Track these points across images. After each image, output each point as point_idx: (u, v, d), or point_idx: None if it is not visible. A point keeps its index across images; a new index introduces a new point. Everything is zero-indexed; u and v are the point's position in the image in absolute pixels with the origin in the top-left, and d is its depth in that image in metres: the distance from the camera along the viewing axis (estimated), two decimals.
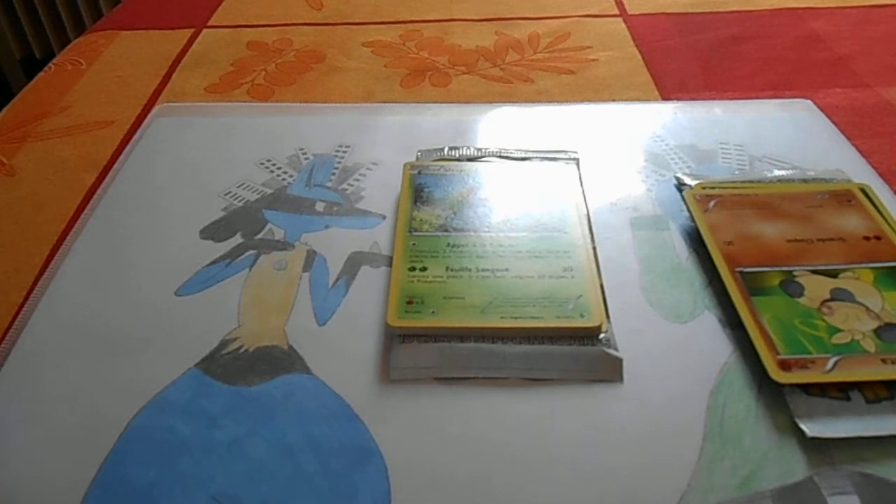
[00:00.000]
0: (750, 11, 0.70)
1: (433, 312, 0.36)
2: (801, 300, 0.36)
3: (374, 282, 0.40)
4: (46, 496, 0.30)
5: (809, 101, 0.55)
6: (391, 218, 0.44)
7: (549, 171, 0.46)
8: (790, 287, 0.37)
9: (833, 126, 0.52)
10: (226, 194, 0.47)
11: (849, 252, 0.38)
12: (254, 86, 0.61)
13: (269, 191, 0.47)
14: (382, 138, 0.52)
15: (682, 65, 0.62)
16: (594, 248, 0.40)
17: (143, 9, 0.76)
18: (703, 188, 0.44)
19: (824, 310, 0.35)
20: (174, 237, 0.43)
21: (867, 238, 0.39)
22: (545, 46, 0.65)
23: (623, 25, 0.68)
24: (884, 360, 0.33)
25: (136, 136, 0.53)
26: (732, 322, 0.37)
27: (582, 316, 0.35)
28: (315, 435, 0.32)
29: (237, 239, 0.43)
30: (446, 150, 0.49)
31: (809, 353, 0.33)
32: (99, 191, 0.48)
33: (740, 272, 0.38)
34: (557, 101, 0.57)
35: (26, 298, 0.40)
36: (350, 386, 0.34)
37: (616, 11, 0.71)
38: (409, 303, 0.36)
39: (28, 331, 0.38)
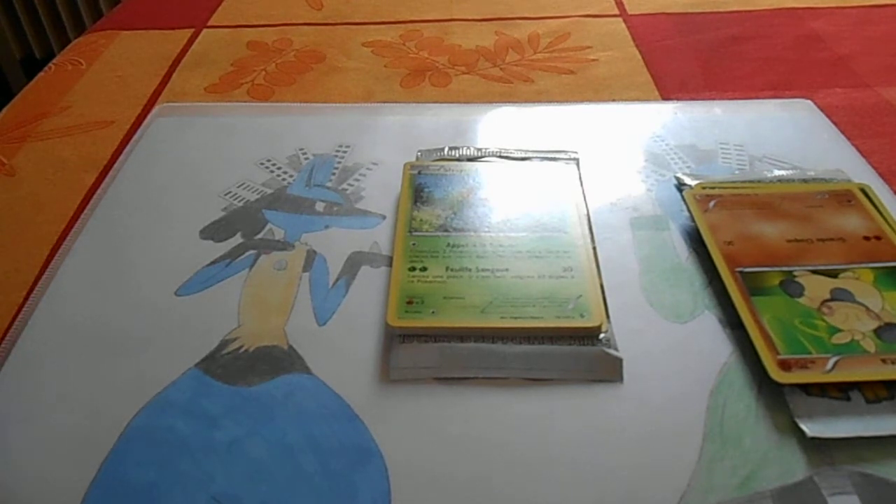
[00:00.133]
0: (750, 11, 0.70)
1: (433, 312, 0.36)
2: (801, 300, 0.36)
3: (374, 282, 0.40)
4: (46, 496, 0.30)
5: (809, 101, 0.55)
6: (391, 218, 0.44)
7: (549, 171, 0.46)
8: (790, 287, 0.37)
9: (833, 126, 0.52)
10: (226, 194, 0.47)
11: (849, 252, 0.38)
12: (254, 86, 0.61)
13: (269, 191, 0.47)
14: (382, 138, 0.52)
15: (682, 65, 0.62)
16: (594, 248, 0.40)
17: (143, 9, 0.76)
18: (703, 188, 0.44)
19: (824, 310, 0.35)
20: (174, 237, 0.43)
21: (867, 238, 0.39)
22: (545, 46, 0.65)
23: (623, 25, 0.68)
24: (884, 360, 0.33)
25: (136, 136, 0.53)
26: (732, 322, 0.37)
27: (582, 316, 0.35)
28: (315, 435, 0.32)
29: (237, 239, 0.43)
30: (446, 150, 0.49)
31: (809, 353, 0.33)
32: (99, 191, 0.48)
33: (740, 272, 0.38)
34: (557, 101, 0.57)
35: (26, 298, 0.40)
36: (350, 386, 0.34)
37: (616, 11, 0.71)
38: (409, 303, 0.36)
39: (28, 331, 0.38)
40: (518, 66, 0.62)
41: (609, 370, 0.34)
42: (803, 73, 0.60)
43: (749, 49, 0.64)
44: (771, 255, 0.39)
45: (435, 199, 0.43)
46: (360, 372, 0.35)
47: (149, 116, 0.55)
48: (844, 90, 0.57)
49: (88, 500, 0.30)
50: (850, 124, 0.52)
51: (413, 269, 0.38)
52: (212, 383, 0.34)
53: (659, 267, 0.40)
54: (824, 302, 0.36)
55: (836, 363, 0.33)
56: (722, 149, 0.50)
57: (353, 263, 0.41)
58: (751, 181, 0.44)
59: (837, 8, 0.70)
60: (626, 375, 0.34)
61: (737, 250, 0.39)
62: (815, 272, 0.37)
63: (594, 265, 0.38)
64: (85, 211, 0.46)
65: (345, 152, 0.50)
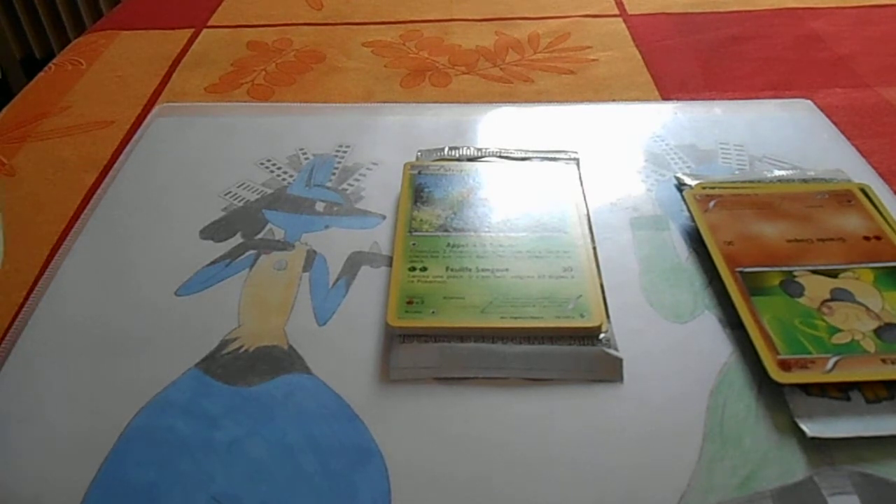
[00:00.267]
0: (750, 11, 0.70)
1: (433, 312, 0.36)
2: (801, 300, 0.36)
3: (374, 282, 0.40)
4: (46, 496, 0.30)
5: (809, 101, 0.55)
6: (391, 218, 0.44)
7: (549, 171, 0.46)
8: (790, 287, 0.37)
9: (833, 126, 0.52)
10: (226, 194, 0.47)
11: (849, 252, 0.38)
12: (254, 86, 0.61)
13: (269, 191, 0.47)
14: (382, 138, 0.52)
15: (682, 65, 0.62)
16: (594, 248, 0.40)
17: (143, 9, 0.76)
18: (703, 188, 0.44)
19: (824, 310, 0.35)
20: (174, 237, 0.43)
21: (867, 238, 0.39)
22: (545, 46, 0.65)
23: (623, 25, 0.68)
24: (884, 360, 0.33)
25: (136, 136, 0.53)
26: (732, 322, 0.37)
27: (582, 316, 0.35)
28: (315, 435, 0.32)
29: (237, 239, 0.43)
30: (446, 150, 0.49)
31: (809, 353, 0.33)
32: (99, 191, 0.48)
33: (740, 272, 0.38)
34: (557, 101, 0.57)
35: (26, 298, 0.40)
36: (350, 386, 0.34)
37: (616, 11, 0.71)
38: (409, 303, 0.36)
39: (28, 331, 0.38)
40: (518, 66, 0.62)
41: (609, 370, 0.34)
42: (803, 73, 0.60)
43: (749, 49, 0.64)
44: (771, 255, 0.39)
45: (435, 199, 0.43)
46: (360, 372, 0.35)
47: (149, 116, 0.55)
48: (844, 90, 0.57)
49: (88, 500, 0.30)
50: (850, 124, 0.52)
51: (413, 269, 0.38)
52: (212, 383, 0.34)
53: (659, 267, 0.40)
54: (824, 302, 0.36)
55: (836, 363, 0.33)
56: (722, 149, 0.50)
57: (353, 263, 0.41)
58: (751, 181, 0.44)
59: (837, 8, 0.70)
60: (626, 375, 0.34)
61: (737, 250, 0.39)
62: (815, 272, 0.37)
63: (594, 265, 0.38)
64: (85, 211, 0.46)
65: (345, 152, 0.50)
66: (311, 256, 0.42)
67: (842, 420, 0.31)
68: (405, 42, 0.67)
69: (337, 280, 0.40)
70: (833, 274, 0.37)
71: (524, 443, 0.32)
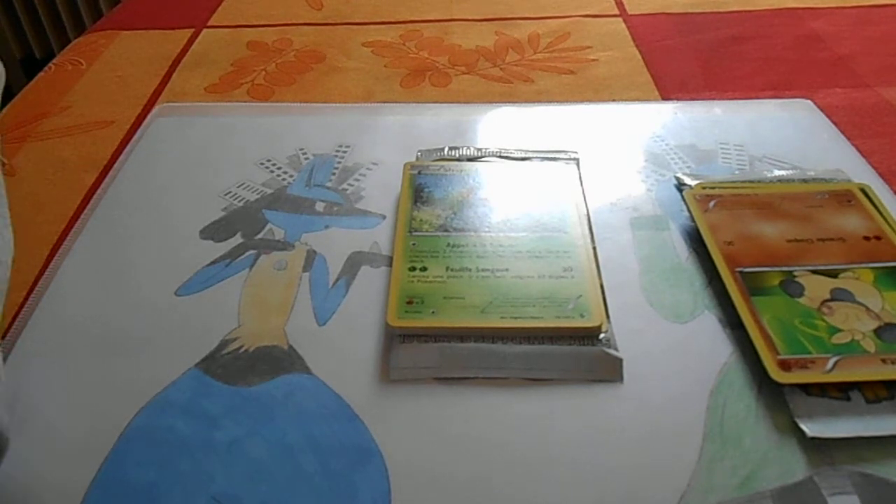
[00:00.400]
0: (750, 11, 0.70)
1: (433, 312, 0.36)
2: (801, 300, 0.36)
3: (374, 282, 0.40)
4: (46, 496, 0.30)
5: (809, 101, 0.55)
6: (391, 218, 0.44)
7: (549, 171, 0.46)
8: (790, 287, 0.37)
9: (833, 126, 0.52)
10: (226, 194, 0.47)
11: (849, 252, 0.38)
12: (254, 86, 0.61)
13: (269, 191, 0.47)
14: (382, 138, 0.52)
15: (682, 65, 0.62)
16: (594, 248, 0.40)
17: (143, 9, 0.76)
18: (703, 188, 0.44)
19: (824, 310, 0.35)
20: (174, 237, 0.43)
21: (867, 238, 0.39)
22: (545, 46, 0.65)
23: (623, 25, 0.68)
24: (884, 360, 0.33)
25: (136, 136, 0.53)
26: (732, 322, 0.37)
27: (582, 316, 0.35)
28: (315, 435, 0.32)
29: (237, 239, 0.43)
30: (446, 150, 0.49)
31: (809, 353, 0.33)
32: (99, 191, 0.48)
33: (740, 272, 0.38)
34: (557, 101, 0.57)
35: (26, 298, 0.40)
36: (350, 386, 0.34)
37: (616, 11, 0.71)
38: (409, 303, 0.36)
39: (28, 331, 0.38)
40: (518, 66, 0.62)
41: (609, 370, 0.34)
42: (803, 73, 0.60)
43: (749, 49, 0.64)
44: (771, 255, 0.39)
45: (435, 199, 0.43)
46: (360, 372, 0.35)
47: (149, 116, 0.55)
48: (844, 90, 0.57)
49: (88, 500, 0.30)
50: (850, 124, 0.52)
51: (413, 269, 0.38)
52: (212, 383, 0.34)
53: (659, 267, 0.40)
54: (824, 302, 0.36)
55: (836, 363, 0.33)
56: (722, 149, 0.50)
57: (353, 263, 0.41)
58: (751, 181, 0.44)
59: (837, 8, 0.70)
60: (626, 375, 0.34)
61: (737, 250, 0.39)
62: (815, 272, 0.37)
63: (594, 265, 0.38)
64: (85, 211, 0.46)
65: (345, 152, 0.50)
66: (311, 256, 0.42)
67: (842, 420, 0.31)
68: (405, 42, 0.67)
69: (337, 280, 0.40)
70: (833, 274, 0.37)
71: (524, 443, 0.32)
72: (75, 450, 0.32)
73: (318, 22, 0.72)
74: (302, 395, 0.34)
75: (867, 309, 0.35)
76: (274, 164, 0.49)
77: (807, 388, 0.33)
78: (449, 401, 0.33)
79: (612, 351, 0.35)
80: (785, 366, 0.33)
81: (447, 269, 0.38)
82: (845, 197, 0.42)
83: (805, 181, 0.45)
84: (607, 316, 0.36)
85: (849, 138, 0.50)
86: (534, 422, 0.32)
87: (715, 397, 0.33)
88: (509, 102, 0.57)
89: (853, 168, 0.47)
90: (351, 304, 0.39)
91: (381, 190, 0.47)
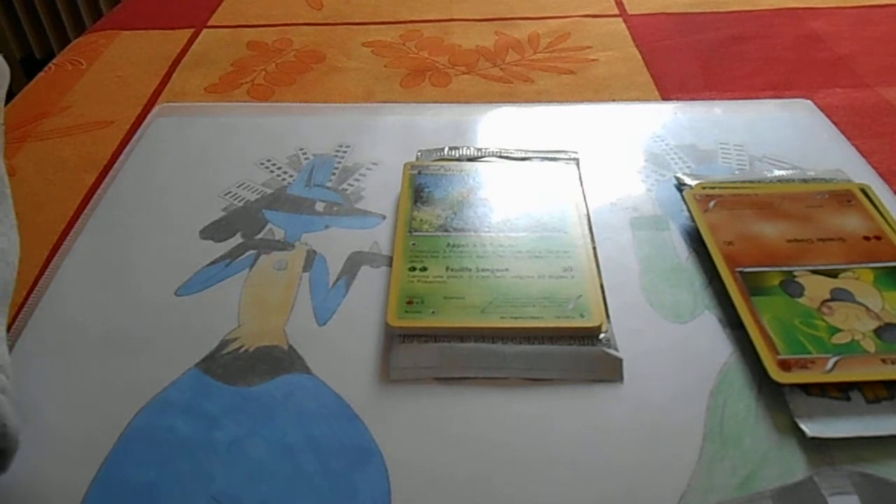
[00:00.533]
0: (750, 11, 0.70)
1: (433, 312, 0.36)
2: (801, 300, 0.36)
3: (374, 282, 0.40)
4: (46, 496, 0.30)
5: (809, 101, 0.55)
6: (391, 218, 0.44)
7: (549, 171, 0.46)
8: (790, 287, 0.37)
9: (833, 126, 0.52)
10: (226, 194, 0.47)
11: (849, 252, 0.38)
12: (254, 86, 0.61)
13: (269, 191, 0.47)
14: (382, 138, 0.52)
15: (682, 65, 0.62)
16: (594, 248, 0.40)
17: (143, 9, 0.76)
18: (703, 188, 0.44)
19: (824, 310, 0.35)
20: (174, 237, 0.43)
21: (867, 238, 0.39)
22: (545, 46, 0.65)
23: (623, 25, 0.68)
24: (884, 360, 0.33)
25: (136, 136, 0.53)
26: (732, 322, 0.37)
27: (582, 316, 0.35)
28: (315, 435, 0.32)
29: (237, 239, 0.43)
30: (446, 150, 0.49)
31: (809, 353, 0.33)
32: (99, 191, 0.48)
33: (740, 272, 0.38)
34: (557, 101, 0.57)
35: (26, 298, 0.40)
36: (350, 386, 0.34)
37: (616, 11, 0.71)
38: (409, 303, 0.36)
39: (28, 331, 0.38)
40: (518, 66, 0.62)
41: (609, 370, 0.34)
42: (803, 73, 0.60)
43: (749, 49, 0.64)
44: (771, 255, 0.39)
45: (435, 199, 0.43)
46: (360, 372, 0.35)
47: (149, 116, 0.55)
48: (844, 90, 0.57)
49: (88, 500, 0.30)
50: (850, 124, 0.52)
51: (413, 269, 0.38)
52: (212, 383, 0.34)
53: (659, 267, 0.40)
54: (824, 302, 0.36)
55: (836, 363, 0.33)
56: (722, 149, 0.50)
57: (353, 263, 0.41)
58: (751, 181, 0.44)
59: (837, 8, 0.70)
60: (626, 375, 0.34)
61: (737, 250, 0.39)
62: (815, 272, 0.37)
63: (594, 265, 0.38)
64: (85, 211, 0.46)
65: (345, 152, 0.50)
66: (311, 256, 0.42)
67: (842, 420, 0.31)
68: (405, 42, 0.67)
69: (337, 280, 0.40)
70: (833, 274, 0.37)
71: (524, 443, 0.32)
72: (75, 450, 0.32)
73: (318, 22, 0.72)
74: (302, 395, 0.34)
75: (867, 309, 0.35)
76: (274, 164, 0.49)
77: (807, 388, 0.33)
78: (449, 401, 0.33)
79: (612, 351, 0.35)
80: (785, 366, 0.33)
81: (447, 269, 0.38)
82: (845, 197, 0.42)
83: (805, 181, 0.45)
84: (607, 316, 0.36)
85: (849, 138, 0.50)
86: (534, 422, 0.32)
87: (715, 397, 0.33)
88: (509, 102, 0.57)
89: (853, 168, 0.47)
90: (351, 304, 0.39)
91: (381, 190, 0.47)
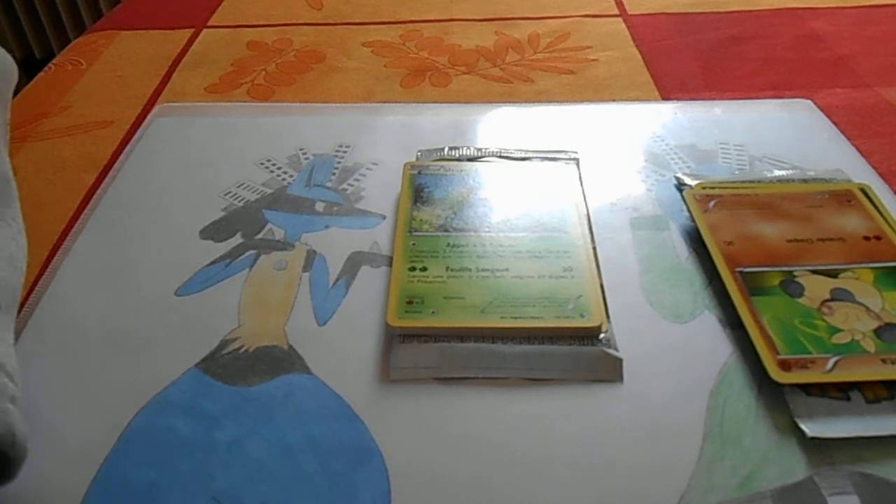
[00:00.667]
0: (750, 11, 0.70)
1: (433, 312, 0.36)
2: (801, 300, 0.36)
3: (374, 282, 0.40)
4: (46, 496, 0.30)
5: (809, 101, 0.55)
6: (391, 218, 0.44)
7: (549, 171, 0.46)
8: (790, 287, 0.37)
9: (833, 126, 0.52)
10: (226, 194, 0.47)
11: (849, 252, 0.38)
12: (254, 86, 0.61)
13: (269, 191, 0.47)
14: (382, 138, 0.52)
15: (682, 65, 0.62)
16: (594, 248, 0.40)
17: (143, 9, 0.76)
18: (703, 188, 0.44)
19: (824, 310, 0.35)
20: (174, 237, 0.43)
21: (867, 238, 0.39)
22: (545, 46, 0.65)
23: (623, 25, 0.68)
24: (884, 360, 0.33)
25: (136, 136, 0.53)
26: (732, 322, 0.37)
27: (582, 316, 0.35)
28: (315, 435, 0.32)
29: (237, 239, 0.43)
30: (446, 150, 0.49)
31: (809, 353, 0.33)
32: (99, 191, 0.48)
33: (740, 272, 0.38)
34: (557, 101, 0.57)
35: (26, 298, 0.40)
36: (350, 386, 0.34)
37: (616, 11, 0.71)
38: (409, 303, 0.36)
39: (28, 331, 0.38)
40: (518, 66, 0.62)
41: (609, 370, 0.34)
42: (803, 73, 0.60)
43: (749, 49, 0.64)
44: (771, 255, 0.39)
45: (435, 199, 0.43)
46: (360, 372, 0.35)
47: (149, 116, 0.55)
48: (844, 90, 0.57)
49: (88, 500, 0.30)
50: (850, 124, 0.52)
51: (413, 269, 0.38)
52: (212, 383, 0.34)
53: (659, 267, 0.40)
54: (824, 302, 0.36)
55: (836, 363, 0.33)
56: (722, 149, 0.50)
57: (353, 263, 0.41)
58: (751, 181, 0.44)
59: (837, 8, 0.70)
60: (626, 375, 0.34)
61: (737, 250, 0.39)
62: (815, 272, 0.37)
63: (594, 265, 0.38)
64: (85, 211, 0.46)
65: (345, 152, 0.50)
66: (311, 256, 0.42)
67: (842, 420, 0.31)
68: (405, 42, 0.67)
69: (337, 280, 0.40)
70: (833, 274, 0.37)
71: (524, 443, 0.32)
72: (75, 450, 0.32)
73: (318, 22, 0.72)
74: (302, 395, 0.34)
75: (867, 309, 0.35)
76: (274, 164, 0.49)
77: (807, 388, 0.33)
78: (449, 401, 0.33)
79: (612, 351, 0.35)
80: (785, 366, 0.33)
81: (447, 269, 0.38)
82: (845, 197, 0.42)
83: (805, 181, 0.45)
84: (607, 316, 0.36)
85: (849, 138, 0.50)
86: (534, 422, 0.32)
87: (715, 397, 0.33)
88: (509, 102, 0.57)
89: (853, 168, 0.47)
90: (351, 304, 0.39)
91: (381, 190, 0.47)
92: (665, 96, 0.57)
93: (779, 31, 0.66)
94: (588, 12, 0.71)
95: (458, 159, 0.47)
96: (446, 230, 0.41)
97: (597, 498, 0.30)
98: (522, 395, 0.34)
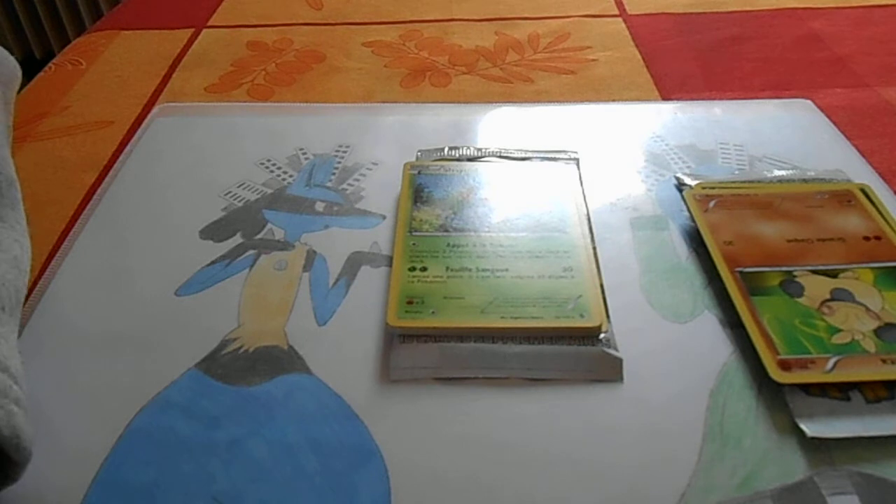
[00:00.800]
0: (750, 11, 0.70)
1: (433, 312, 0.36)
2: (801, 300, 0.36)
3: (374, 282, 0.40)
4: (46, 496, 0.30)
5: (809, 101, 0.55)
6: (391, 218, 0.44)
7: (549, 171, 0.46)
8: (790, 287, 0.37)
9: (833, 126, 0.52)
10: (226, 194, 0.47)
11: (849, 252, 0.38)
12: (254, 86, 0.61)
13: (269, 191, 0.47)
14: (382, 138, 0.52)
15: (682, 65, 0.62)
16: (594, 248, 0.40)
17: (143, 9, 0.76)
18: (703, 188, 0.44)
19: (824, 310, 0.35)
20: (174, 237, 0.43)
21: (867, 238, 0.39)
22: (545, 46, 0.65)
23: (623, 25, 0.68)
24: (884, 360, 0.33)
25: (136, 136, 0.53)
26: (732, 322, 0.37)
27: (582, 316, 0.35)
28: (315, 435, 0.32)
29: (237, 239, 0.43)
30: (446, 150, 0.49)
31: (809, 353, 0.33)
32: (99, 191, 0.48)
33: (740, 272, 0.38)
34: (557, 101, 0.57)
35: (26, 298, 0.40)
36: (350, 386, 0.34)
37: (616, 11, 0.71)
38: (409, 303, 0.36)
39: (28, 331, 0.38)
40: (518, 66, 0.62)
41: (609, 370, 0.34)
42: (803, 73, 0.60)
43: (749, 49, 0.64)
44: (771, 255, 0.39)
45: (435, 199, 0.43)
46: (360, 372, 0.35)
47: (149, 116, 0.55)
48: (844, 90, 0.57)
49: (88, 501, 0.30)
50: (850, 124, 0.52)
51: (413, 269, 0.38)
52: (212, 383, 0.34)
53: (659, 267, 0.40)
54: (824, 302, 0.36)
55: (836, 363, 0.33)
56: (722, 149, 0.50)
57: (353, 263, 0.41)
58: (751, 181, 0.44)
59: (837, 8, 0.70)
60: (626, 375, 0.34)
61: (737, 250, 0.39)
62: (815, 272, 0.37)
63: (594, 265, 0.38)
64: (85, 211, 0.46)
65: (345, 152, 0.50)
66: (311, 256, 0.42)
67: (842, 420, 0.31)
68: (405, 42, 0.67)
69: (337, 280, 0.40)
70: (833, 274, 0.37)
71: (524, 443, 0.32)
72: (75, 450, 0.32)
73: (318, 22, 0.72)
74: (302, 395, 0.34)
75: (867, 309, 0.35)
76: (274, 164, 0.49)
77: (807, 388, 0.33)
78: (449, 401, 0.33)
79: (612, 351, 0.35)
80: (785, 366, 0.33)
81: (447, 269, 0.38)
82: (845, 197, 0.42)
83: (805, 181, 0.45)
84: (607, 316, 0.36)
85: (849, 138, 0.50)
86: (534, 422, 0.32)
87: (715, 397, 0.33)
88: (509, 102, 0.57)
89: (853, 168, 0.47)
90: (351, 304, 0.39)
91: (381, 190, 0.47)
92: (665, 96, 0.57)
93: (778, 31, 0.66)
94: (588, 12, 0.71)
95: (458, 159, 0.47)
96: (446, 230, 0.41)
97: (597, 497, 0.30)
98: (522, 394, 0.34)
